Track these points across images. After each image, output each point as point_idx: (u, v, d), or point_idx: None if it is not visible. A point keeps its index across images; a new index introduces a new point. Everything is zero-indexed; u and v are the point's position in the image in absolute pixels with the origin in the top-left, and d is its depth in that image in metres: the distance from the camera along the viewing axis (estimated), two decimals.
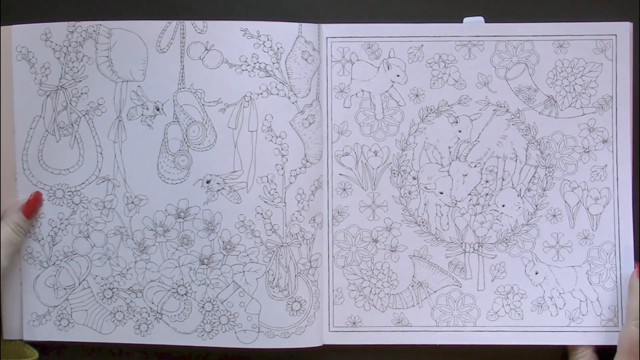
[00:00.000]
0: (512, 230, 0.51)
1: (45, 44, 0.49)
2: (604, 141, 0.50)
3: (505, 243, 0.51)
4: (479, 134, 0.51)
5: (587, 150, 0.51)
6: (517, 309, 0.51)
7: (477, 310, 0.51)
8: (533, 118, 0.50)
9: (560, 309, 0.50)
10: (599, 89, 0.50)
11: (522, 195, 0.51)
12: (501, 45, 0.50)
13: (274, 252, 0.50)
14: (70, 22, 0.49)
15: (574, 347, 0.50)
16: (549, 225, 0.51)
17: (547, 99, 0.51)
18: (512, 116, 0.51)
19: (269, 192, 0.49)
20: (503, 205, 0.51)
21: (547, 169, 0.51)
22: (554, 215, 0.51)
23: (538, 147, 0.51)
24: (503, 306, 0.51)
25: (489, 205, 0.51)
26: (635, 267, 0.50)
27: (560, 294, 0.51)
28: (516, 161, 0.51)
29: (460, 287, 0.51)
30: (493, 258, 0.51)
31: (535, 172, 0.51)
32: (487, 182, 0.51)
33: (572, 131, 0.51)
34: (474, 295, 0.51)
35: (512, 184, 0.51)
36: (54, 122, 0.50)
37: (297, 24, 0.49)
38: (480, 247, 0.51)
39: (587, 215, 0.51)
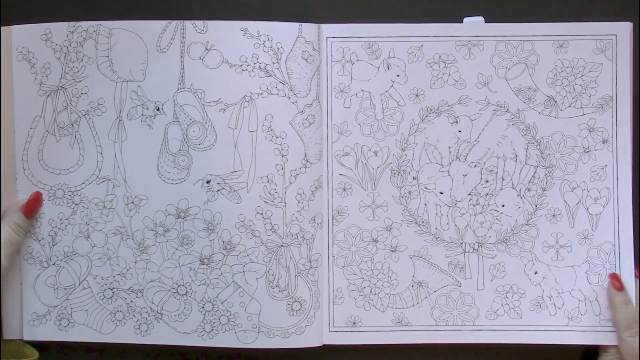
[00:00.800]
0: (511, 230, 0.51)
1: (46, 44, 0.49)
2: (604, 141, 0.51)
3: (505, 243, 0.51)
4: (479, 134, 0.51)
5: (587, 150, 0.51)
6: (516, 309, 0.51)
7: (477, 309, 0.51)
8: (533, 118, 0.50)
9: (559, 308, 0.51)
10: (599, 89, 0.50)
11: (521, 195, 0.51)
12: (501, 45, 0.50)
13: (274, 252, 0.50)
14: (71, 22, 0.49)
15: (606, 347, 0.50)
16: (549, 225, 0.51)
17: (547, 99, 0.51)
18: (512, 116, 0.51)
19: (269, 192, 0.49)
20: (503, 205, 0.51)
21: (547, 169, 0.51)
22: (554, 215, 0.51)
23: (538, 147, 0.51)
24: (502, 305, 0.51)
25: (488, 205, 0.51)
26: (610, 280, 0.50)
27: (559, 293, 0.51)
28: (516, 161, 0.51)
29: (460, 286, 0.51)
30: (493, 258, 0.51)
31: (535, 172, 0.51)
32: (487, 182, 0.51)
33: (572, 131, 0.51)
34: (473, 294, 0.51)
35: (512, 184, 0.51)
36: (54, 122, 0.50)
37: (297, 24, 0.49)
38: (480, 247, 0.51)
39: (587, 215, 0.51)
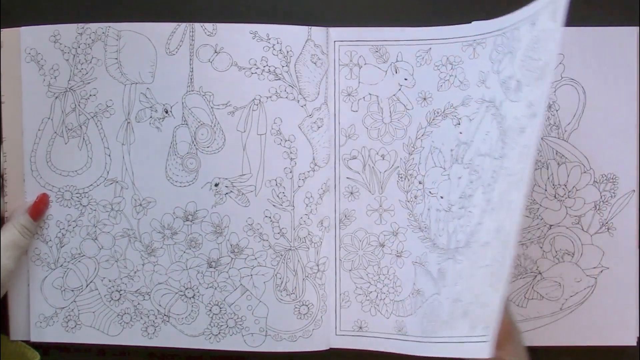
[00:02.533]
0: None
1: (54, 46, 0.49)
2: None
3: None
4: (474, 134, 0.48)
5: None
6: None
7: None
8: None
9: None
10: None
11: None
12: (499, 40, 0.47)
13: (282, 255, 0.50)
14: (80, 24, 0.49)
15: None
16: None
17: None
18: (497, 110, 0.47)
19: (278, 196, 0.49)
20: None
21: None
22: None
23: None
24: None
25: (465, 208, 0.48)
26: None
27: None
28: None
29: (439, 295, 0.47)
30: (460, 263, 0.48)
31: None
32: (471, 182, 0.47)
33: None
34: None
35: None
36: (63, 124, 0.49)
37: (306, 27, 0.49)
38: (455, 254, 0.48)
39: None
